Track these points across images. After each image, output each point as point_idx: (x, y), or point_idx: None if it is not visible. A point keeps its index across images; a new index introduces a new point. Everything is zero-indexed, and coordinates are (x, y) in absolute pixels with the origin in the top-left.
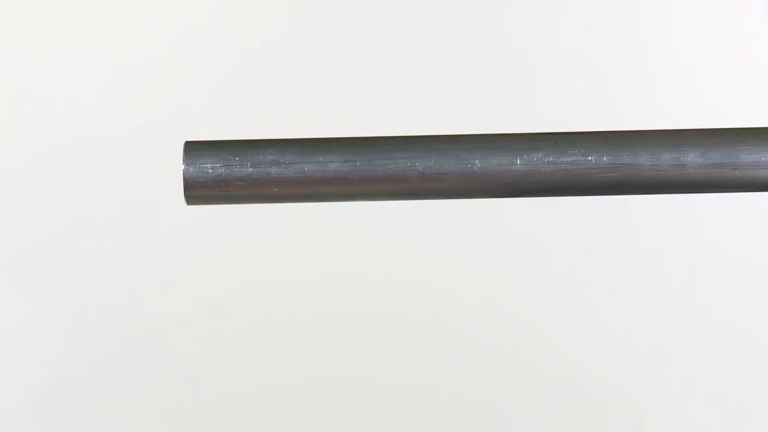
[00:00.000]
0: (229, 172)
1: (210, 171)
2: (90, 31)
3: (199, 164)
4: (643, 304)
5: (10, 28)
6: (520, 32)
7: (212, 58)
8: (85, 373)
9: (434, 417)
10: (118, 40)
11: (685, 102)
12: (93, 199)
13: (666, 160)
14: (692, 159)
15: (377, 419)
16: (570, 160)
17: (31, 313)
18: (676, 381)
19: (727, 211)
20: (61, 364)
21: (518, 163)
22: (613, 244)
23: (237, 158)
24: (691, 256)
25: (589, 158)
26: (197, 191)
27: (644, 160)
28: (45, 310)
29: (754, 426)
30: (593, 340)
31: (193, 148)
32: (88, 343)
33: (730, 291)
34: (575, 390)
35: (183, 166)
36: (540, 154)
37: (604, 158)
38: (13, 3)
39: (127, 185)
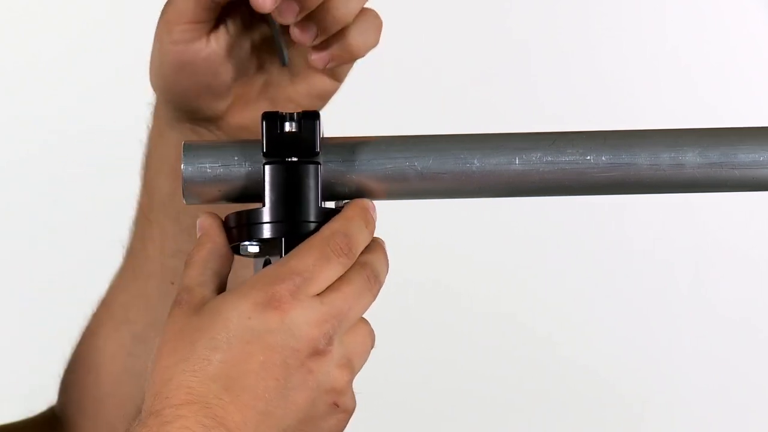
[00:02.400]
0: (227, 172)
1: (209, 171)
2: (90, 31)
3: (198, 164)
4: (649, 304)
5: (10, 28)
6: (519, 32)
7: None
8: None
9: (433, 416)
10: (118, 40)
11: (683, 101)
12: (92, 199)
13: (665, 159)
14: (691, 158)
15: (377, 419)
16: (569, 160)
17: (31, 313)
18: (684, 381)
19: (732, 211)
20: (62, 363)
21: (517, 162)
22: (611, 245)
23: (235, 158)
24: (698, 256)
25: (588, 158)
26: (196, 191)
27: (643, 160)
28: (45, 310)
29: (761, 426)
30: (594, 338)
31: (191, 149)
32: None
33: (737, 291)
34: (582, 390)
35: (182, 166)
36: (538, 154)
37: (603, 158)
38: (13, 3)
39: (128, 185)
